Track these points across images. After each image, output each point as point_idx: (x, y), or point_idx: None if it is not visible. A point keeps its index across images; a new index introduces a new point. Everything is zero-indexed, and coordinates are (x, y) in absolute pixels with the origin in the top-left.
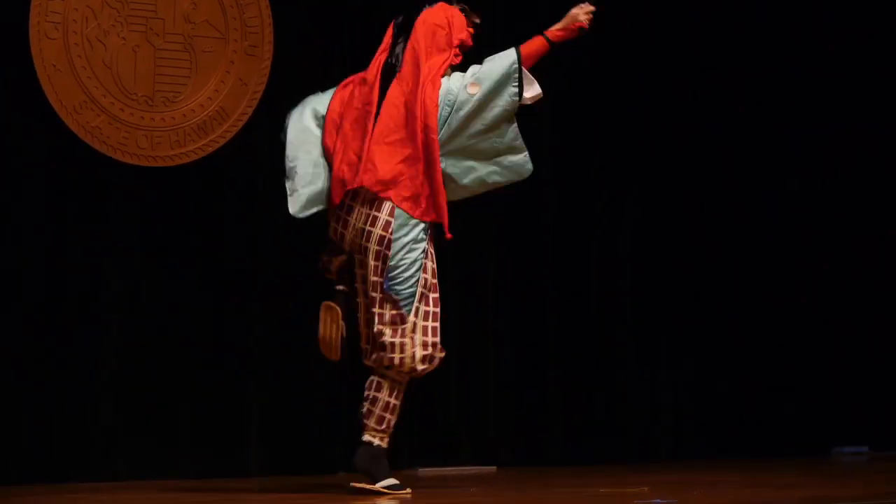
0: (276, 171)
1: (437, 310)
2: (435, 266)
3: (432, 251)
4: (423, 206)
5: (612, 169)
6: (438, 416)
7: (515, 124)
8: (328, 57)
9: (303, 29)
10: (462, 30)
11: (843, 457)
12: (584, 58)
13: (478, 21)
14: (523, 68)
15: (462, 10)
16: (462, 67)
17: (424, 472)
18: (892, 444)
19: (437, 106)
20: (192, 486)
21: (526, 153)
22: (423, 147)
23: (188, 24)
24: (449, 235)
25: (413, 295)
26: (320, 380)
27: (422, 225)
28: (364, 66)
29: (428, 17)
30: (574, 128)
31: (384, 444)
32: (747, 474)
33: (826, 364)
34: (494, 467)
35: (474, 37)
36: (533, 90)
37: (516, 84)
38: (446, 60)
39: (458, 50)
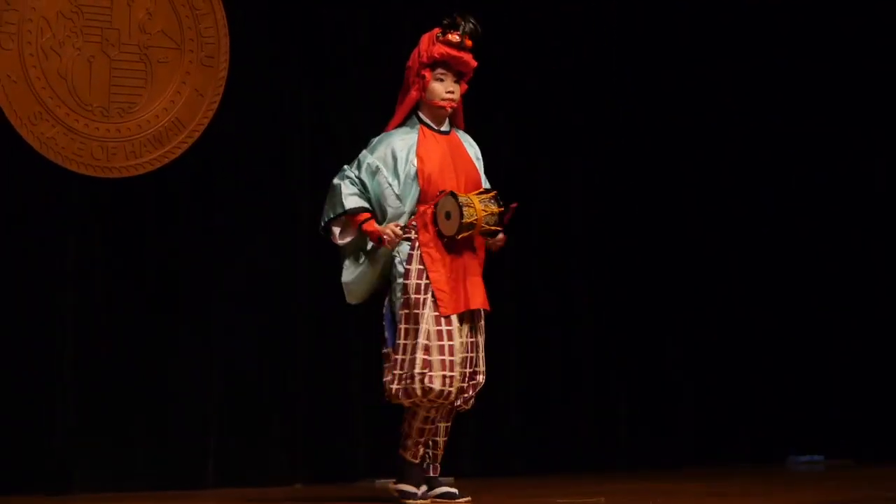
0: (231, 181)
1: (426, 342)
2: (422, 295)
3: (418, 275)
4: None
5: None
6: (398, 426)
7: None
8: (285, 67)
9: (259, 39)
10: (426, 49)
11: (798, 465)
12: (572, 51)
13: (455, 39)
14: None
15: (442, 24)
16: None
17: (382, 483)
18: (846, 452)
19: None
20: (147, 498)
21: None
22: None
23: (144, 34)
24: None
25: (393, 324)
26: (278, 392)
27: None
28: (321, 76)
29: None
30: (560, 123)
31: (405, 456)
32: (704, 483)
33: (782, 373)
34: (452, 478)
35: (475, 50)
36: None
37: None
38: (407, 104)
39: (426, 71)
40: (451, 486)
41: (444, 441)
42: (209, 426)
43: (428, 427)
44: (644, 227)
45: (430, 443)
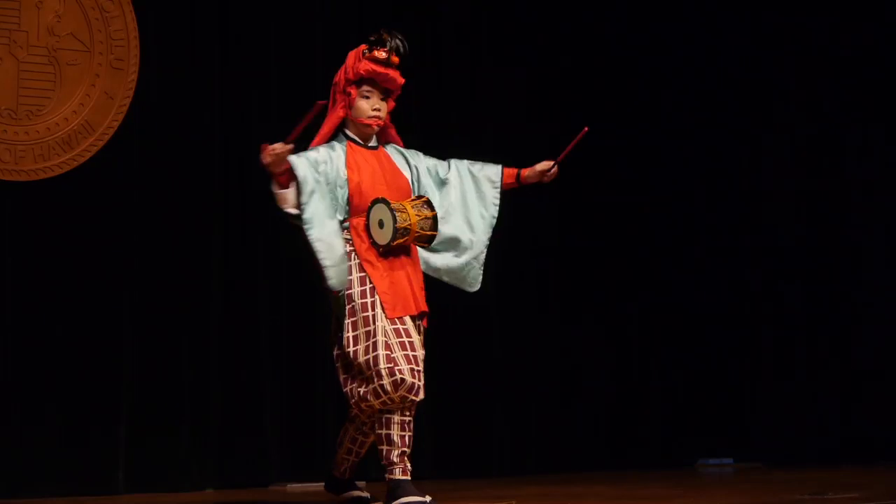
0: (142, 185)
1: (385, 339)
2: (368, 298)
3: (360, 282)
4: None
5: None
6: (309, 431)
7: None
8: (196, 70)
9: (170, 42)
10: (352, 66)
11: (708, 468)
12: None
13: (381, 56)
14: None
15: (369, 40)
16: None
17: (293, 487)
18: (755, 455)
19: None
20: None
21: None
22: None
23: (52, 36)
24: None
25: (341, 332)
26: (189, 398)
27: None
28: (232, 80)
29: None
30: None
31: (395, 476)
32: (614, 486)
33: (691, 377)
34: (364, 482)
35: (403, 67)
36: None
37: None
38: (332, 121)
39: (351, 88)
40: (362, 490)
41: (366, 451)
42: (120, 431)
43: (408, 433)
44: (573, 229)
45: (355, 452)
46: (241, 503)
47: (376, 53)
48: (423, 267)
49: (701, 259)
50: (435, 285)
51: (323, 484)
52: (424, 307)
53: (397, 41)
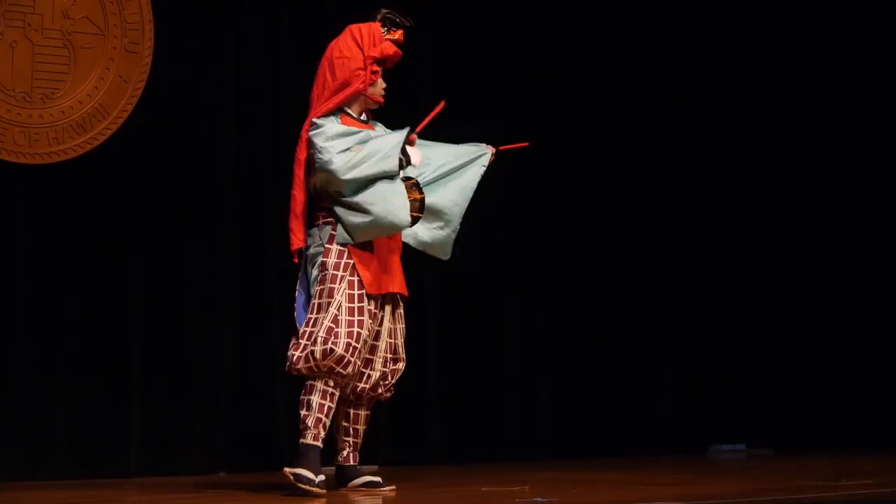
0: (154, 168)
1: (335, 312)
2: (339, 272)
3: (338, 255)
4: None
5: None
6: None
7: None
8: (210, 54)
9: (184, 26)
10: (375, 45)
11: (721, 454)
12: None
13: (399, 38)
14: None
15: (381, 20)
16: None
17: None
18: (768, 442)
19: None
20: (69, 486)
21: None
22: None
23: (67, 19)
24: (296, 259)
25: (305, 305)
26: (202, 382)
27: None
28: (246, 63)
29: (332, 52)
30: None
31: (306, 439)
32: (626, 472)
33: (704, 364)
34: (376, 466)
35: (400, 45)
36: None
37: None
38: (348, 94)
39: (376, 67)
40: (373, 474)
41: (364, 429)
42: (132, 414)
43: (328, 404)
44: (585, 213)
45: (352, 430)
46: (252, 486)
47: (395, 35)
48: (411, 242)
49: (714, 248)
50: (448, 267)
51: (333, 469)
52: (399, 289)
53: (406, 21)
